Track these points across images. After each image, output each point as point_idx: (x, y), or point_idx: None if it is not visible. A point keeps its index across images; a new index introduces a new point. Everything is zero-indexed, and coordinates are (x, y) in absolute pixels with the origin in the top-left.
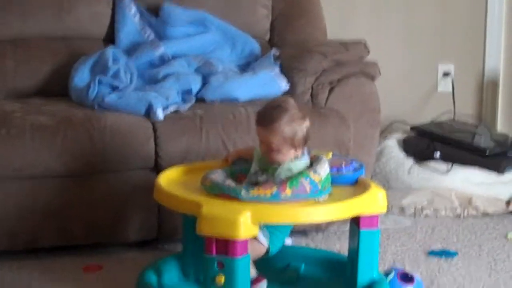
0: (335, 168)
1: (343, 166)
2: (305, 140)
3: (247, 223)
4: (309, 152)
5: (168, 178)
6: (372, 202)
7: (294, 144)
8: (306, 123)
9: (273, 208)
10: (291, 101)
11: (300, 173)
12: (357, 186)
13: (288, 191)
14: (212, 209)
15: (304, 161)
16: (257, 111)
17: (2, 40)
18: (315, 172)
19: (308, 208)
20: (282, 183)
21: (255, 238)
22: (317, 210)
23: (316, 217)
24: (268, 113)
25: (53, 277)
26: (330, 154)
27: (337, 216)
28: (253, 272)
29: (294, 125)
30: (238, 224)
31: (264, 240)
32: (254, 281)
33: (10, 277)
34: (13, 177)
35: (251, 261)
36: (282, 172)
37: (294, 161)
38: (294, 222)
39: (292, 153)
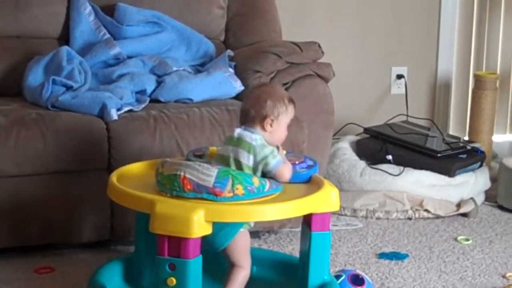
0: None
1: (296, 163)
2: None
3: (200, 222)
4: None
5: (122, 176)
6: (325, 200)
7: None
8: None
9: (226, 207)
10: None
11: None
12: (311, 184)
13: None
14: (166, 207)
15: None
16: (288, 96)
17: None
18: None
19: (262, 206)
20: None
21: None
22: (270, 208)
23: (270, 215)
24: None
25: (4, 278)
26: (284, 152)
27: (290, 214)
28: None
29: None
30: (191, 222)
31: None
32: None
33: None
34: None
35: None
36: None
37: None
38: (247, 220)
39: None
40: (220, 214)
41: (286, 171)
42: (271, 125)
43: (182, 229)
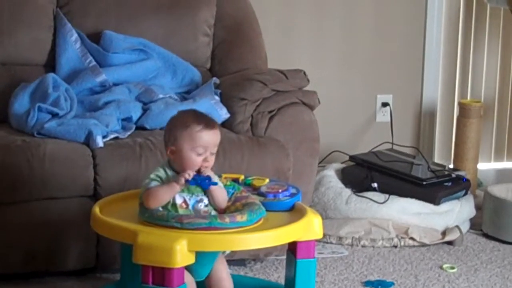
0: (271, 194)
1: (280, 191)
2: None
3: (183, 251)
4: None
5: (105, 206)
6: (308, 228)
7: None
8: None
9: (208, 236)
10: None
11: None
12: (294, 212)
13: None
14: (148, 237)
15: None
16: (190, 116)
17: None
18: None
19: (244, 235)
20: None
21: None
22: (253, 237)
23: (253, 243)
24: (206, 117)
25: None
26: (267, 180)
27: (274, 242)
28: None
29: None
30: (174, 252)
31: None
32: None
33: None
34: None
35: None
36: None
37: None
38: (231, 249)
39: None
40: (203, 244)
41: (148, 197)
42: (172, 153)
43: (165, 259)
